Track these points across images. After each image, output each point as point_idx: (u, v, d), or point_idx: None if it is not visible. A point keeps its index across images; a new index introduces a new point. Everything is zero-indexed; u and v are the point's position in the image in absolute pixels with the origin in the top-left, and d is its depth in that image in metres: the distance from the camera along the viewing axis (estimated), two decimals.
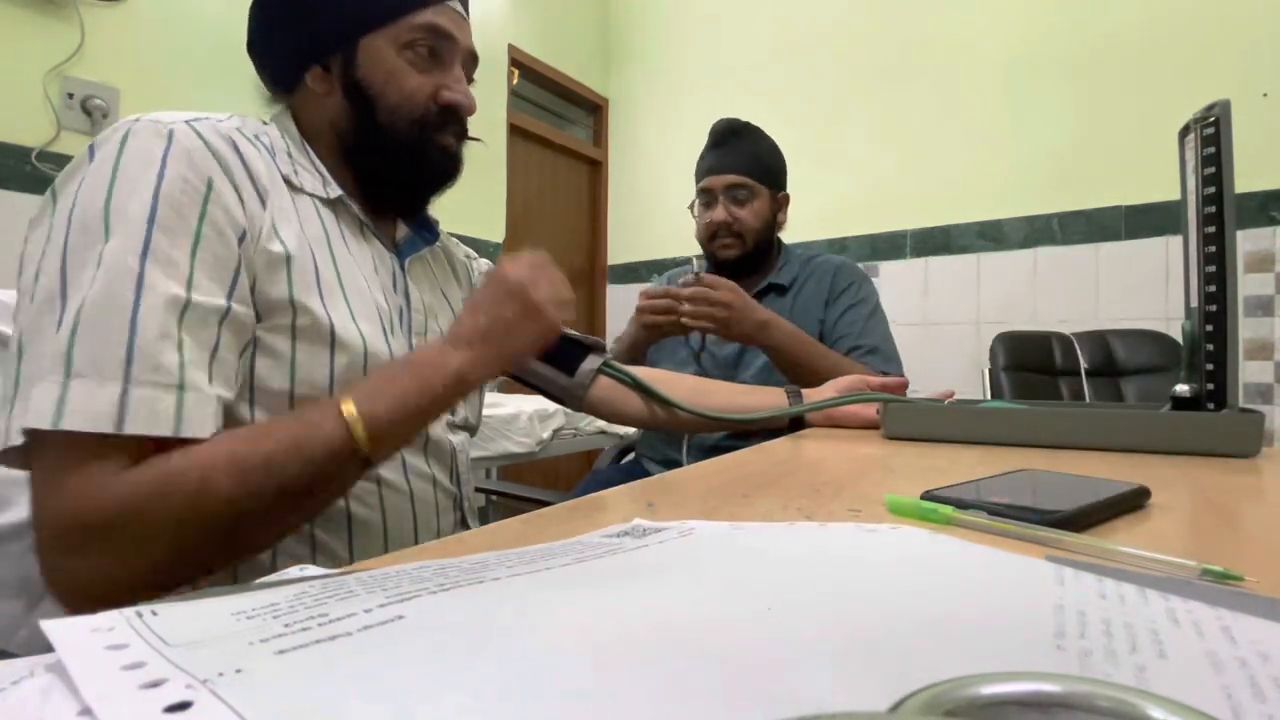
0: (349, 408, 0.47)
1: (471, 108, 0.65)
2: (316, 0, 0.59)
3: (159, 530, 0.42)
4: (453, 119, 0.64)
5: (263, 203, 0.53)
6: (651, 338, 1.18)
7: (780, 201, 1.28)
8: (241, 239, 0.50)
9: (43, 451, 0.43)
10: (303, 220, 0.56)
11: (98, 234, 0.45)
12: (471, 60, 0.67)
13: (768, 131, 1.29)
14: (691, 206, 1.31)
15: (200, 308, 0.46)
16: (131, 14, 1.73)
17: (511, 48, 2.94)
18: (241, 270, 0.50)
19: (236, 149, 0.52)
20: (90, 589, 0.43)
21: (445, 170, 0.66)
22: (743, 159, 1.24)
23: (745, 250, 1.24)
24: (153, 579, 0.43)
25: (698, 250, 1.31)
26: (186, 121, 0.50)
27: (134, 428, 0.42)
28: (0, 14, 1.52)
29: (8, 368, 0.44)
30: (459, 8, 0.64)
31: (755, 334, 1.07)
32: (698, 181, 1.28)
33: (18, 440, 0.42)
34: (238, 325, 0.49)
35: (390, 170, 0.63)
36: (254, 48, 0.63)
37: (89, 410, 0.41)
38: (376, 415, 0.48)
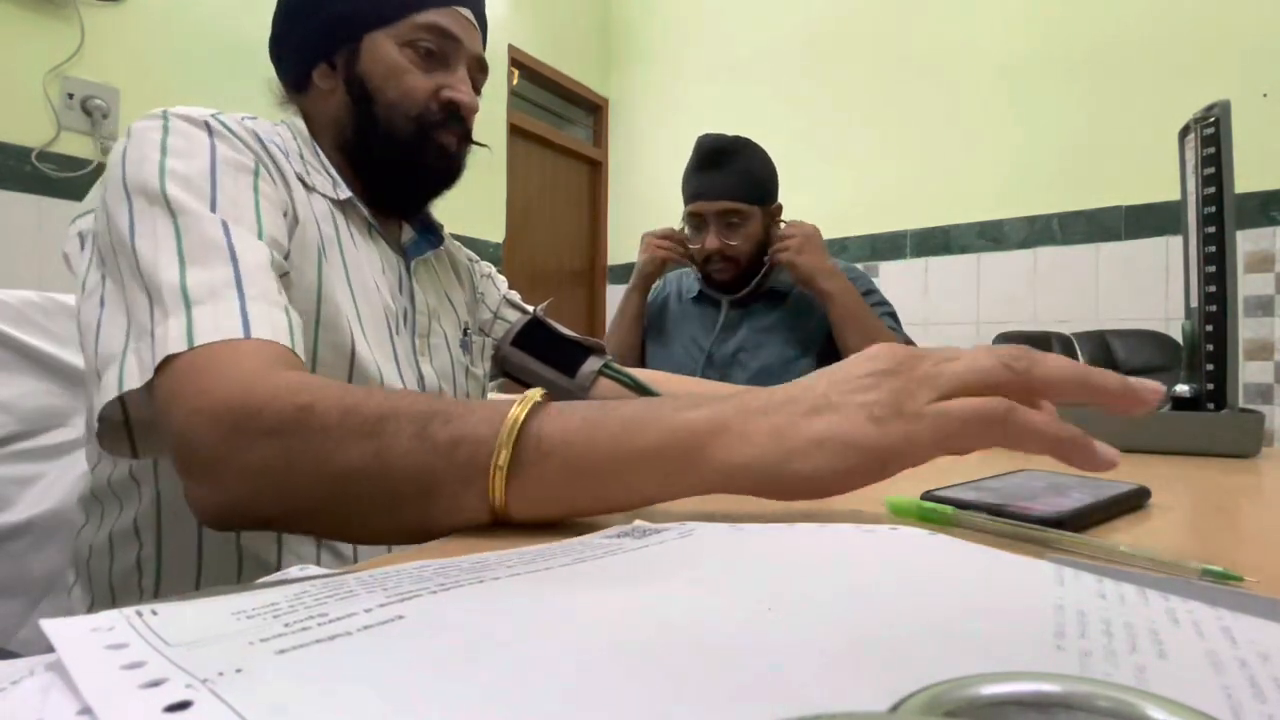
0: (506, 436, 0.32)
1: (473, 106, 0.64)
2: None
3: (261, 440, 0.36)
4: (453, 118, 0.63)
5: (289, 191, 0.55)
6: (655, 270, 1.27)
7: (774, 213, 1.26)
8: (285, 214, 0.52)
9: (164, 382, 0.40)
10: (318, 219, 0.57)
11: (163, 197, 0.45)
12: (479, 68, 0.66)
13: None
14: (682, 229, 1.28)
15: (275, 259, 0.48)
16: (131, 14, 1.73)
17: (511, 48, 2.94)
18: (290, 240, 0.52)
19: (260, 140, 0.55)
20: (225, 501, 0.38)
21: (443, 171, 0.65)
22: (732, 182, 1.20)
23: (740, 271, 1.23)
24: (260, 503, 0.37)
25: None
26: (213, 115, 0.52)
27: (260, 333, 0.41)
28: (0, 14, 1.52)
29: (111, 331, 0.44)
30: (468, 14, 0.64)
31: (818, 275, 1.13)
32: (685, 202, 1.24)
33: (144, 378, 0.40)
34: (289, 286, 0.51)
35: (388, 168, 0.63)
36: (272, 46, 0.64)
37: (219, 328, 0.41)
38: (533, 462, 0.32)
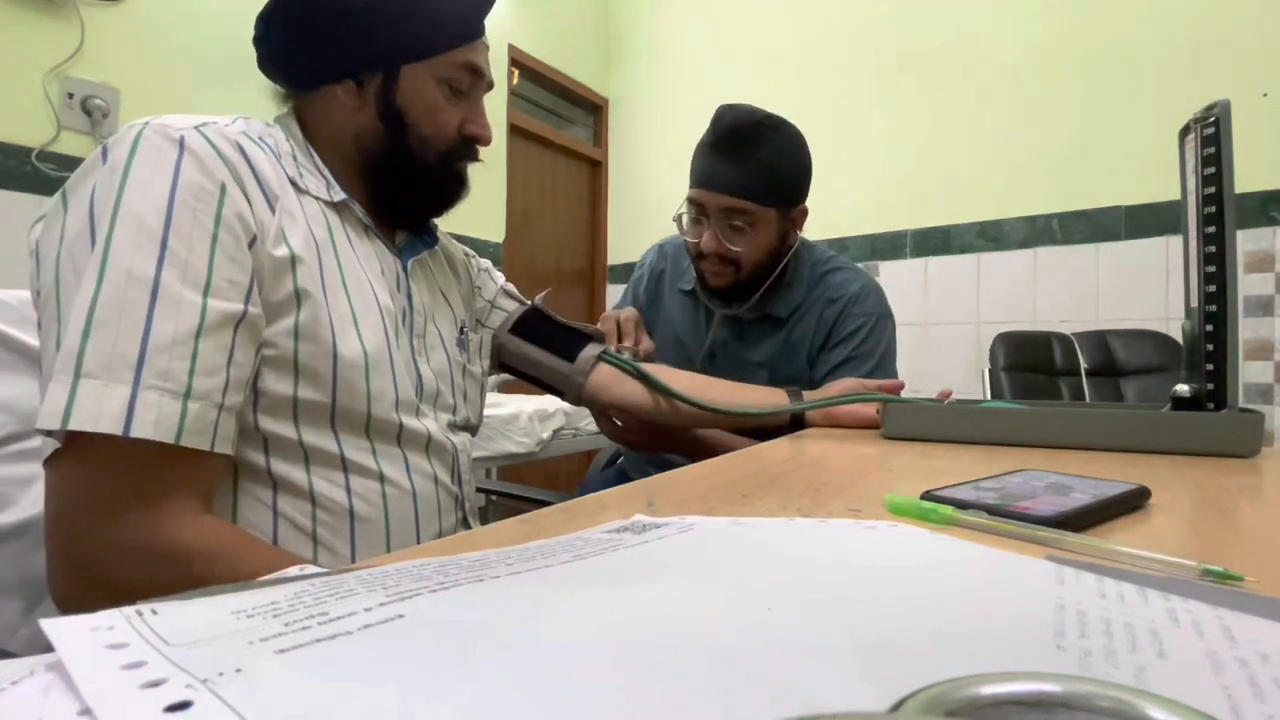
0: None
1: (490, 139, 0.68)
2: (366, 19, 0.60)
3: (130, 582, 0.45)
4: (472, 150, 0.67)
5: (271, 207, 0.53)
6: None
7: (794, 219, 1.03)
8: (252, 243, 0.51)
9: (50, 460, 0.44)
10: (309, 221, 0.56)
11: (105, 238, 0.45)
12: (489, 89, 0.69)
13: None
14: (679, 219, 1.05)
15: (217, 312, 0.47)
16: (131, 14, 1.73)
17: (511, 48, 2.94)
18: (253, 273, 0.51)
19: (244, 154, 0.53)
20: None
21: (456, 194, 0.69)
22: (749, 174, 0.95)
23: (738, 279, 1.01)
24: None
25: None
26: (195, 128, 0.51)
27: (140, 432, 0.43)
28: (0, 14, 1.52)
29: (44, 370, 0.46)
30: (487, 40, 0.66)
31: None
32: (691, 183, 1.01)
33: (56, 445, 0.44)
34: (252, 328, 0.50)
35: (407, 191, 0.65)
36: (272, 44, 0.62)
37: (100, 416, 0.42)
38: None
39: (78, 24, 1.62)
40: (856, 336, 1.03)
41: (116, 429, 0.42)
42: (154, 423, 0.43)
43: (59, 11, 1.60)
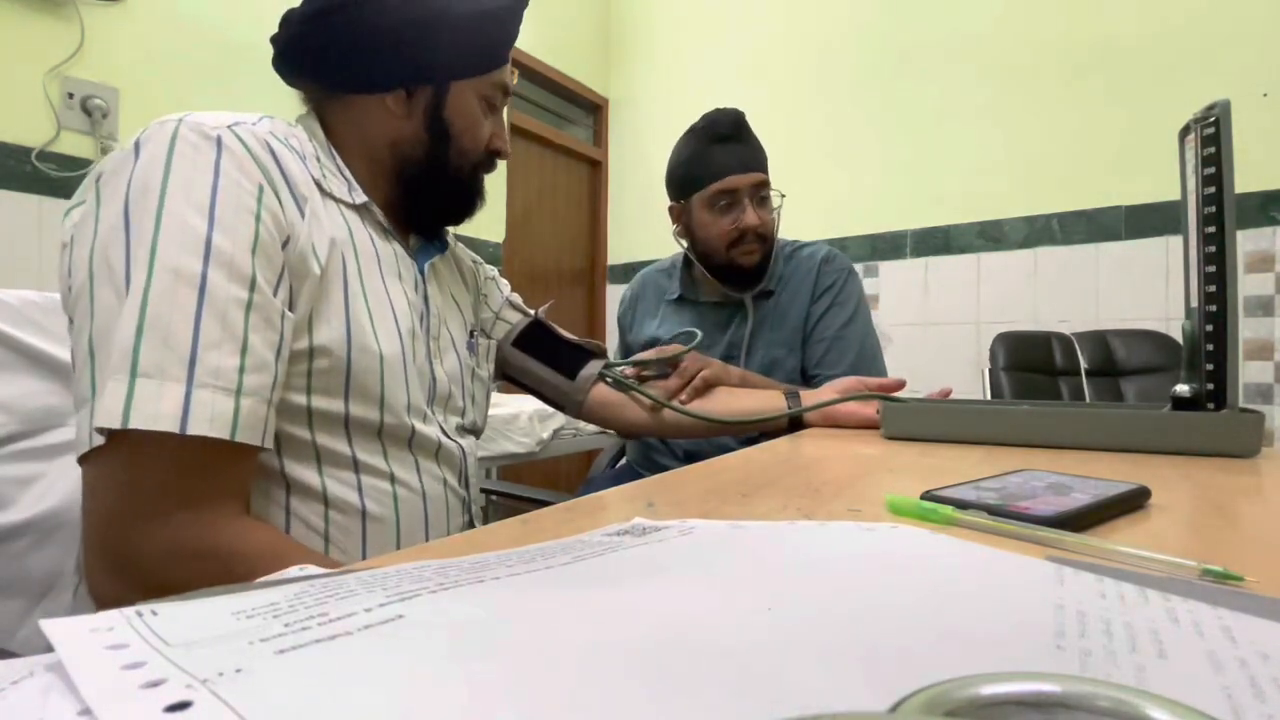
0: None
1: (509, 155, 0.71)
2: (423, 35, 0.61)
3: (175, 585, 0.45)
4: (494, 162, 0.70)
5: (300, 210, 0.54)
6: None
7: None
8: (285, 244, 0.51)
9: (92, 459, 0.44)
10: (331, 225, 0.57)
11: (149, 234, 0.45)
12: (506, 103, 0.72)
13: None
14: (681, 214, 1.18)
15: (262, 310, 0.48)
16: (131, 14, 1.73)
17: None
18: (285, 273, 0.51)
19: (274, 155, 0.53)
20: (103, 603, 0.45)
21: (474, 206, 0.72)
22: (757, 154, 1.12)
23: (765, 254, 1.14)
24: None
25: None
26: (229, 127, 0.51)
27: (197, 429, 0.43)
28: (0, 14, 1.52)
29: (81, 370, 0.46)
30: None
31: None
32: (708, 182, 1.12)
33: (99, 441, 0.43)
34: (290, 325, 0.51)
35: (438, 197, 0.68)
36: (312, 48, 0.62)
37: (158, 414, 0.42)
38: None
39: (78, 24, 1.62)
40: (834, 288, 1.16)
41: (174, 427, 0.42)
42: (209, 420, 0.43)
43: (59, 11, 1.60)
